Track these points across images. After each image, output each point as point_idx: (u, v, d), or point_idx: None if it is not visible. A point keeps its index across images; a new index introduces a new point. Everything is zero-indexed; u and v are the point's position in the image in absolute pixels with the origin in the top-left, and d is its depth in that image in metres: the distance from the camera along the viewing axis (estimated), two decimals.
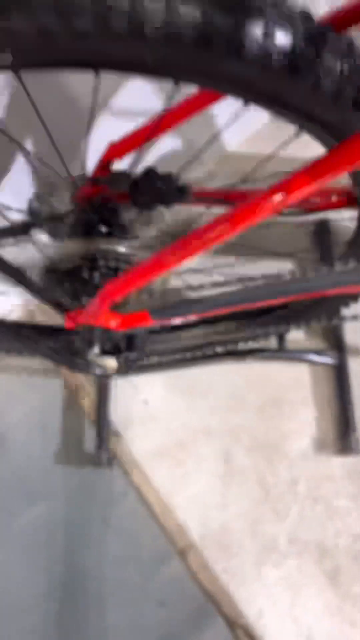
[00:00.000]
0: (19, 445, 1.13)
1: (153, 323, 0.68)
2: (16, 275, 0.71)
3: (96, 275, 0.68)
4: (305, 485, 0.96)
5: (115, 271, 0.68)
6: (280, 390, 1.03)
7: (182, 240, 0.54)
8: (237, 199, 0.72)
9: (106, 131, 0.67)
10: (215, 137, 1.11)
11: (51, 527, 1.05)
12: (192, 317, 0.70)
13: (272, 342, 1.01)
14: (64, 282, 0.70)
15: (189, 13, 0.34)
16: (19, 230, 0.70)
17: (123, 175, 0.66)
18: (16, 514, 1.08)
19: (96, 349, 0.72)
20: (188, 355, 1.00)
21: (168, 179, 0.65)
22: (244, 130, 1.18)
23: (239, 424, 1.03)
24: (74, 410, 1.14)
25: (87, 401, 1.13)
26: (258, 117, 1.18)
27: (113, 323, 0.69)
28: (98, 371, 0.79)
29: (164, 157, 1.09)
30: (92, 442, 1.09)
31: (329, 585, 0.90)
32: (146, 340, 0.77)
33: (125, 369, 0.77)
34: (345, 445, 0.95)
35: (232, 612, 0.93)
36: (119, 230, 0.68)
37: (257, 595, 0.92)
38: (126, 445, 1.06)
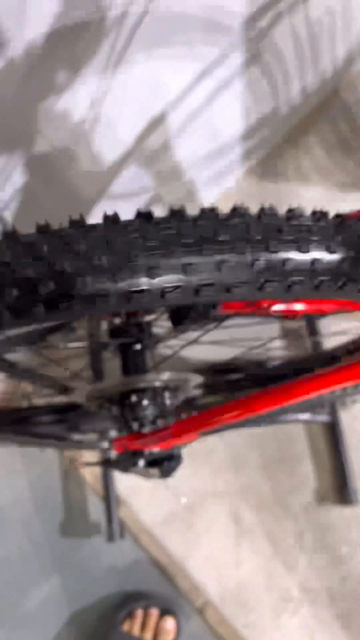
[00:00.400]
0: (21, 521, 1.13)
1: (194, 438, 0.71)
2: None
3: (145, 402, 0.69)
4: (311, 536, 1.04)
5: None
6: (279, 448, 1.09)
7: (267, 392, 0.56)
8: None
9: None
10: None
11: (66, 601, 1.08)
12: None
13: None
14: (114, 410, 0.71)
15: None
16: None
17: None
18: (27, 591, 1.09)
19: (141, 464, 0.74)
20: None
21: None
22: (214, 187, 1.20)
23: (244, 484, 1.08)
24: (73, 480, 1.15)
25: (87, 469, 1.14)
26: (228, 176, 1.20)
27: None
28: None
29: None
30: (96, 510, 1.11)
31: (342, 628, 0.99)
32: (181, 455, 0.79)
33: (166, 474, 0.79)
34: (344, 496, 1.03)
35: None
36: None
37: None
38: (135, 514, 1.09)
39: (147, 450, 0.72)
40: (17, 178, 0.76)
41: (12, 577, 1.11)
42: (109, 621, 1.04)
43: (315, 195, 1.19)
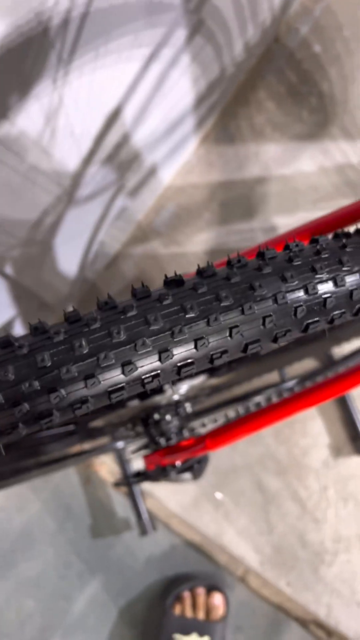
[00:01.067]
0: (51, 534, 1.14)
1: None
2: None
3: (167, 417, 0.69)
4: (334, 489, 1.08)
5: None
6: None
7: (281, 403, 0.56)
8: None
9: None
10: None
11: (112, 600, 1.10)
12: None
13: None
14: (146, 430, 0.70)
15: None
16: None
17: None
18: (72, 598, 1.11)
19: (174, 473, 0.74)
20: None
21: None
22: (174, 163, 1.15)
23: (261, 453, 1.11)
24: (93, 483, 1.15)
25: (105, 468, 1.14)
26: (185, 148, 1.15)
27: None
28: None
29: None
30: (122, 507, 1.13)
31: None
32: (207, 457, 0.80)
33: (198, 475, 0.80)
34: (358, 447, 1.07)
35: (302, 613, 1.06)
36: None
37: (322, 595, 1.05)
38: (162, 503, 1.11)
39: (178, 463, 0.72)
40: None
41: (54, 588, 1.12)
42: (159, 609, 1.07)
43: (274, 153, 1.16)
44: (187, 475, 0.78)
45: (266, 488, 1.10)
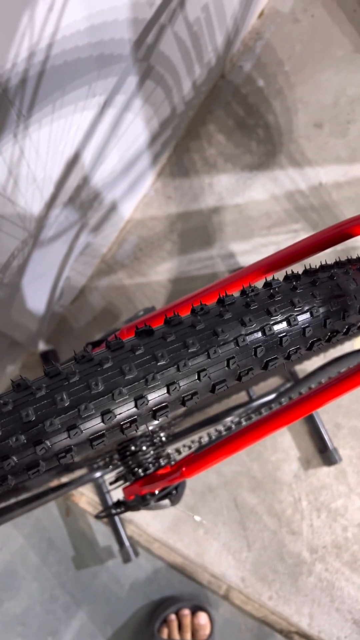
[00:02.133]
0: (35, 569, 1.14)
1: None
2: None
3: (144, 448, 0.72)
4: (306, 500, 1.12)
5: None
6: None
7: (253, 425, 0.60)
8: None
9: None
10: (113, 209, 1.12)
11: (99, 629, 1.11)
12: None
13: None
14: (123, 462, 0.72)
15: None
16: None
17: None
18: (58, 632, 1.11)
19: (153, 501, 0.77)
20: None
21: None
22: (133, 198, 1.20)
23: (236, 471, 1.14)
24: (73, 515, 1.16)
25: (85, 499, 1.15)
26: (143, 183, 1.20)
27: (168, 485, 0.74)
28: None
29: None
30: (103, 536, 1.14)
31: (353, 572, 1.10)
32: (184, 485, 0.83)
33: (176, 501, 0.82)
34: (328, 458, 1.12)
35: (286, 625, 1.09)
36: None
37: (303, 605, 1.09)
38: (142, 529, 1.13)
39: (157, 491, 0.75)
40: None
41: (40, 623, 1.12)
42: (146, 634, 1.09)
43: (227, 183, 1.22)
44: (165, 502, 0.81)
45: (242, 505, 1.13)
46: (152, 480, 0.73)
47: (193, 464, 0.66)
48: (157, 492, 0.77)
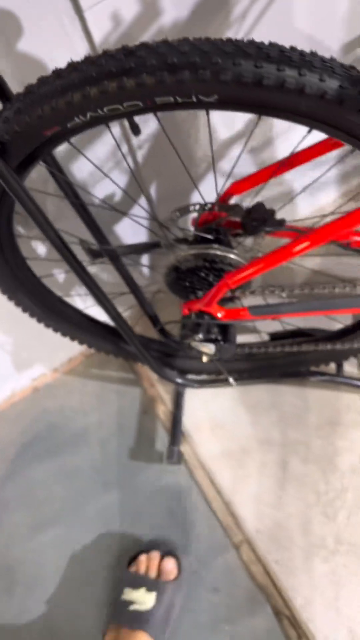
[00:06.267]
0: (98, 441, 1.31)
1: (251, 318, 0.88)
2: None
3: (211, 274, 0.90)
4: (353, 494, 1.09)
5: (223, 271, 0.90)
6: (336, 414, 1.19)
7: (292, 242, 0.76)
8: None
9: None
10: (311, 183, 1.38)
11: (121, 514, 1.20)
12: (284, 317, 0.89)
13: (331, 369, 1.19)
14: (185, 279, 0.92)
15: (333, 84, 0.56)
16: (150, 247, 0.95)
17: (238, 206, 0.90)
18: (91, 499, 1.23)
19: (201, 335, 0.92)
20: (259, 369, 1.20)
21: (271, 212, 0.89)
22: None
23: (298, 439, 1.18)
24: (149, 416, 1.32)
25: (162, 409, 1.31)
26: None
27: (220, 314, 0.90)
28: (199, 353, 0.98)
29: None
30: (163, 444, 1.25)
31: None
32: (236, 336, 0.97)
33: (221, 353, 0.96)
34: None
35: (280, 603, 1.02)
36: (229, 245, 0.91)
37: (304, 586, 1.02)
38: (194, 447, 1.22)
39: (207, 316, 0.91)
40: None
41: (81, 485, 1.26)
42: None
43: None
44: (211, 347, 0.95)
45: (291, 469, 1.14)
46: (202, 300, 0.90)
47: (233, 275, 0.82)
48: (207, 321, 0.93)
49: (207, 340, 0.94)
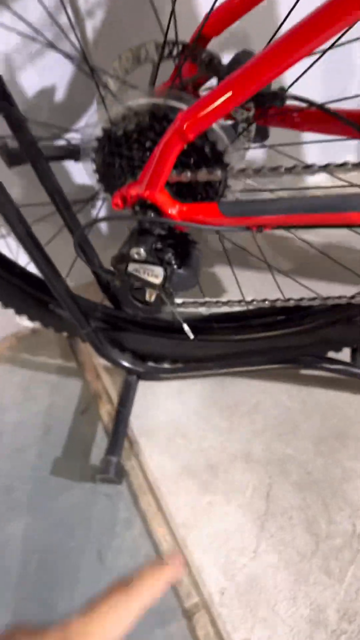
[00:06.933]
0: (12, 448, 0.94)
1: (220, 219, 0.55)
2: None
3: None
4: None
5: None
6: (346, 423, 0.83)
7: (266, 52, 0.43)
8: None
9: None
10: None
11: (28, 553, 0.82)
12: (265, 222, 0.56)
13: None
14: (120, 155, 0.59)
15: None
16: None
17: (216, 58, 0.59)
18: None
19: (144, 247, 0.58)
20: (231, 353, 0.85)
21: None
22: None
23: (289, 455, 0.81)
24: (88, 417, 0.96)
25: (107, 408, 0.95)
26: None
27: (172, 209, 0.56)
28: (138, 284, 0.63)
29: None
30: (99, 453, 0.89)
31: None
32: (200, 266, 0.63)
33: (167, 295, 0.62)
34: None
35: None
36: None
37: None
38: (142, 460, 0.86)
39: (151, 210, 0.57)
40: None
41: None
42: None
43: None
44: (159, 272, 0.61)
45: (276, 498, 0.77)
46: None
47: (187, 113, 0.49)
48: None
49: (151, 259, 0.60)
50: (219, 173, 0.53)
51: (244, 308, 0.81)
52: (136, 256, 0.58)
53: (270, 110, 0.64)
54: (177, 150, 0.50)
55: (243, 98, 0.46)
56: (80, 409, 0.98)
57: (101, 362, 1.01)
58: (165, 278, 0.59)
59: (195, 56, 0.57)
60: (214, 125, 0.55)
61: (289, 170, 0.52)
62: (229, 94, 0.45)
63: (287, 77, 0.54)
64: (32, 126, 0.60)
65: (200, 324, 0.88)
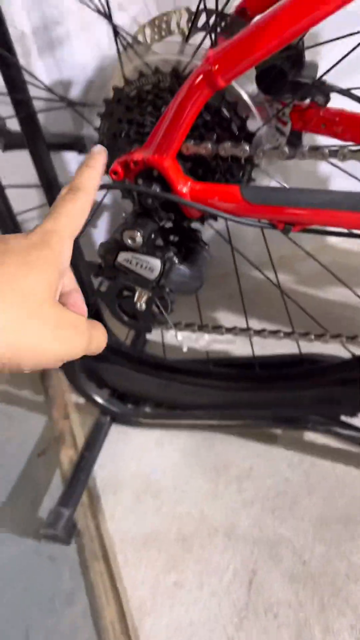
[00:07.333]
0: None
1: (242, 209, 0.44)
2: None
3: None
4: None
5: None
6: (356, 506, 0.67)
7: None
8: None
9: None
10: None
11: None
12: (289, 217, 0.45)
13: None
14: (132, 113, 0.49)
15: None
16: None
17: None
18: None
19: (141, 232, 0.47)
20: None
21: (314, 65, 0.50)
22: None
23: (283, 536, 0.65)
24: (46, 460, 0.81)
25: (70, 453, 0.80)
26: None
27: (183, 186, 0.46)
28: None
29: None
30: (50, 503, 0.73)
31: None
32: (206, 268, 0.51)
33: (161, 297, 0.50)
34: None
35: None
36: None
37: None
38: (100, 518, 0.70)
39: (156, 183, 0.46)
40: None
41: None
42: None
43: None
44: (156, 264, 0.49)
45: (259, 588, 0.61)
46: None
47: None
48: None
49: (148, 248, 0.48)
50: (247, 148, 0.44)
51: (249, 356, 0.70)
52: (130, 241, 0.47)
53: (308, 113, 0.56)
54: (201, 100, 0.40)
55: (289, 36, 0.37)
56: (38, 449, 0.83)
57: (73, 399, 0.87)
58: (162, 274, 0.48)
59: (233, 29, 0.50)
60: (245, 96, 0.46)
61: (334, 153, 0.43)
62: (274, 28, 0.36)
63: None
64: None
65: (195, 365, 0.76)
